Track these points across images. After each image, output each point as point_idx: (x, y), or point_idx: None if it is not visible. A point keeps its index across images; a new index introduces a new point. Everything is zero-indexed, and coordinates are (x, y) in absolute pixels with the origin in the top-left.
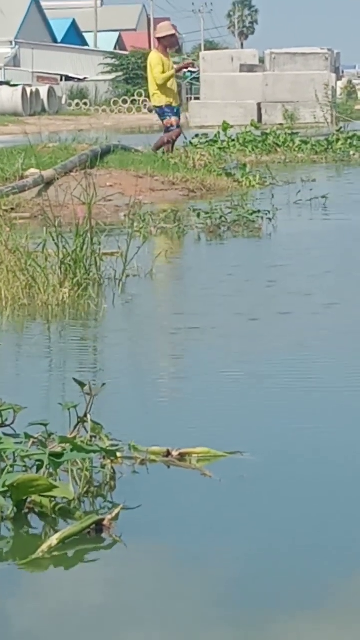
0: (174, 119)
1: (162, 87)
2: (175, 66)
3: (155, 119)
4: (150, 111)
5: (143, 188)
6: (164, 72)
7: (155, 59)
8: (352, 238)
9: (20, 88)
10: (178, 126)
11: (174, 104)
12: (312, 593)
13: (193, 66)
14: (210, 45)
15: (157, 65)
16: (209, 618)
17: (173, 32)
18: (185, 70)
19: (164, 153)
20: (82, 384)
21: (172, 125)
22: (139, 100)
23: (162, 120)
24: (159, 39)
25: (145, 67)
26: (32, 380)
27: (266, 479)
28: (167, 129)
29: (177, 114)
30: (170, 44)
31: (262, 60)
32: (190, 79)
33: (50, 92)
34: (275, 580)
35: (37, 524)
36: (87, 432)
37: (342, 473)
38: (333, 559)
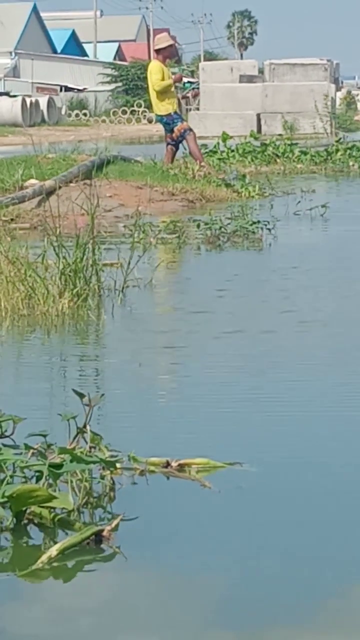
0: (185, 124)
1: (164, 96)
2: (172, 77)
3: (155, 130)
4: (150, 122)
5: (143, 199)
6: (162, 79)
7: (155, 67)
8: (352, 249)
9: (19, 99)
10: (190, 129)
11: (177, 110)
12: (311, 604)
13: (181, 81)
14: (210, 56)
15: (156, 72)
16: (207, 629)
17: (171, 42)
18: (179, 83)
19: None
20: (81, 395)
21: (185, 130)
22: (139, 111)
23: (172, 128)
24: (157, 50)
25: (145, 77)
26: (31, 391)
27: (265, 489)
28: (181, 136)
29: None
30: (169, 54)
31: (261, 71)
32: (190, 89)
33: (50, 103)
34: (275, 592)
35: (36, 535)
36: (87, 442)
37: (341, 484)
38: (332, 570)
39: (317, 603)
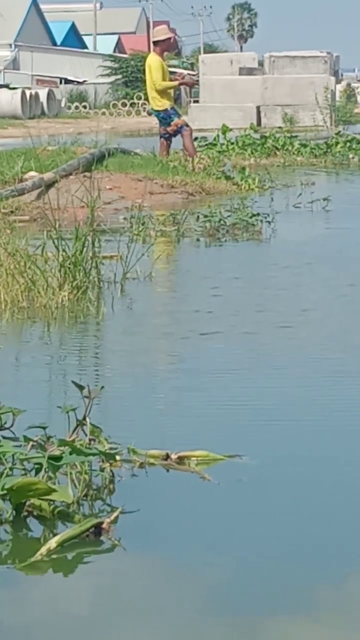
0: (182, 119)
1: (162, 91)
2: (179, 79)
3: (154, 122)
4: (150, 114)
5: (142, 191)
6: (163, 79)
7: (155, 62)
8: (352, 243)
9: (19, 91)
10: (187, 124)
11: (174, 105)
12: (312, 596)
13: (196, 84)
14: (210, 48)
15: (157, 70)
16: (207, 621)
17: (170, 35)
18: (186, 85)
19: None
20: (80, 387)
21: (182, 126)
22: (138, 103)
23: (169, 122)
24: (155, 42)
25: (144, 70)
26: (31, 383)
27: (265, 482)
28: (177, 131)
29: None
30: (167, 47)
31: (261, 64)
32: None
33: (50, 95)
34: (274, 584)
35: (36, 527)
36: (86, 435)
37: (341, 477)
38: (332, 562)
39: (318, 595)
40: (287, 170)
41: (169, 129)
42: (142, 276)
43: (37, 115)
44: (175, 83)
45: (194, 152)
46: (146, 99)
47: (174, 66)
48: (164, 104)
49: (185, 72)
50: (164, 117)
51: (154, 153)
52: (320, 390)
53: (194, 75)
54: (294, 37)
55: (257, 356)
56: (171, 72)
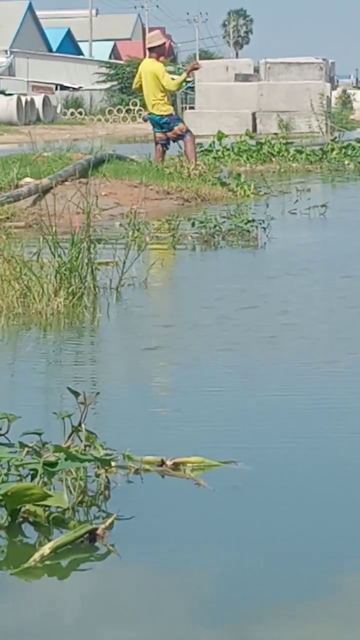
0: (185, 125)
1: (165, 96)
2: (186, 69)
3: (150, 128)
4: (145, 120)
5: (138, 197)
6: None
7: (160, 68)
8: (348, 251)
9: (15, 97)
10: (188, 130)
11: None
12: (306, 601)
13: (198, 68)
14: (205, 55)
15: (164, 72)
16: (201, 627)
17: (164, 40)
18: (193, 70)
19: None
20: (76, 393)
21: (186, 132)
22: (134, 110)
23: (171, 128)
24: (150, 48)
25: (136, 75)
26: (26, 389)
27: (260, 488)
28: (179, 136)
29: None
30: (162, 52)
31: (256, 70)
32: (185, 88)
33: (45, 101)
34: (269, 590)
35: (30, 533)
36: (82, 441)
37: (335, 482)
38: (327, 567)
39: (312, 600)
40: (282, 176)
41: (169, 134)
42: (138, 282)
43: (32, 122)
44: (184, 76)
45: (195, 158)
46: (142, 105)
47: (170, 72)
48: (169, 108)
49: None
50: (167, 122)
51: (150, 159)
52: (316, 397)
53: (190, 80)
54: (289, 43)
55: (254, 362)
56: None
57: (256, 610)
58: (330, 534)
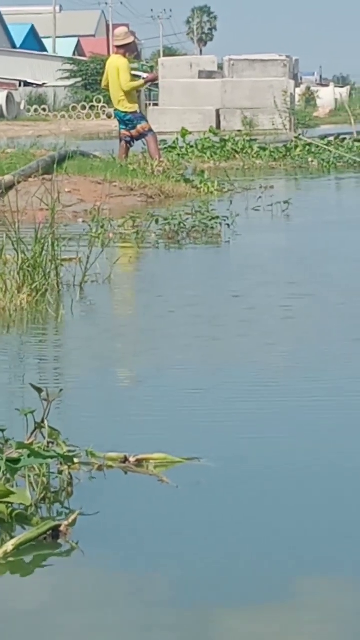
0: (148, 124)
1: (130, 93)
2: (146, 77)
3: (114, 125)
4: (110, 117)
5: (101, 194)
6: (131, 80)
7: (124, 64)
8: (311, 245)
9: None
10: (151, 129)
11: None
12: (266, 599)
13: (156, 80)
14: (169, 52)
15: (126, 71)
16: (164, 623)
17: (132, 39)
18: (151, 82)
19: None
20: (39, 390)
21: (148, 131)
22: (98, 106)
23: (135, 126)
24: (120, 46)
25: (104, 72)
26: None
27: (223, 484)
28: (141, 135)
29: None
30: (130, 50)
31: (220, 67)
32: (150, 85)
33: (9, 98)
34: (232, 585)
35: None
36: (45, 438)
37: (299, 478)
38: (291, 564)
39: (273, 599)
40: (246, 173)
41: (132, 131)
42: (102, 279)
43: None
44: (141, 82)
45: (159, 156)
46: (106, 102)
47: (134, 69)
48: (133, 106)
49: (145, 75)
50: (131, 120)
51: (114, 156)
52: (281, 394)
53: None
54: (253, 40)
55: (218, 359)
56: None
57: (216, 609)
58: (293, 530)
